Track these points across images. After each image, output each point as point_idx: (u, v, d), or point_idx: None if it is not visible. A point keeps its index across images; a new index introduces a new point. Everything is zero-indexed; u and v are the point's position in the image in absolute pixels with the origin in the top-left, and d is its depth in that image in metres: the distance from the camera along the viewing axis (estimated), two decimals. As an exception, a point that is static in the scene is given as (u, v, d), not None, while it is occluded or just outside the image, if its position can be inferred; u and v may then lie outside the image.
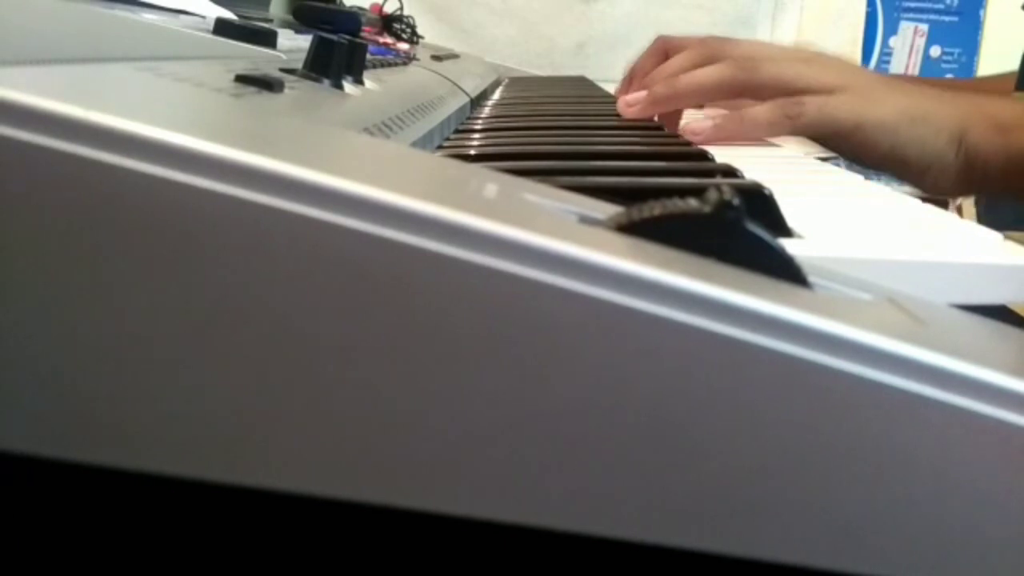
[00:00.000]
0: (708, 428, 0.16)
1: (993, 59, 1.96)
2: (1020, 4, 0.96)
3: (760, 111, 0.61)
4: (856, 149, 0.61)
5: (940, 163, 0.59)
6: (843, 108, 0.60)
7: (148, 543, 0.17)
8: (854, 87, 0.61)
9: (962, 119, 0.61)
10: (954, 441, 0.16)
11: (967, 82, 1.12)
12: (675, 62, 0.67)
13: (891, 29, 2.08)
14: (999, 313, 0.26)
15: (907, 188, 0.68)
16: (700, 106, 0.77)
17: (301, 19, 0.81)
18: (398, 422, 0.16)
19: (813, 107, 0.60)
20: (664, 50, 0.71)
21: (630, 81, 0.74)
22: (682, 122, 0.69)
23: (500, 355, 0.15)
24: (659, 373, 0.16)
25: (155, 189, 0.15)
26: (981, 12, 2.05)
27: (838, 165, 0.63)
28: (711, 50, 0.66)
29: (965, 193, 0.63)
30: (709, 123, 0.62)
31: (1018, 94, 0.81)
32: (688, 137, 0.61)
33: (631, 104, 0.67)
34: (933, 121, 0.60)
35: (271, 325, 0.15)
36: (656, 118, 0.68)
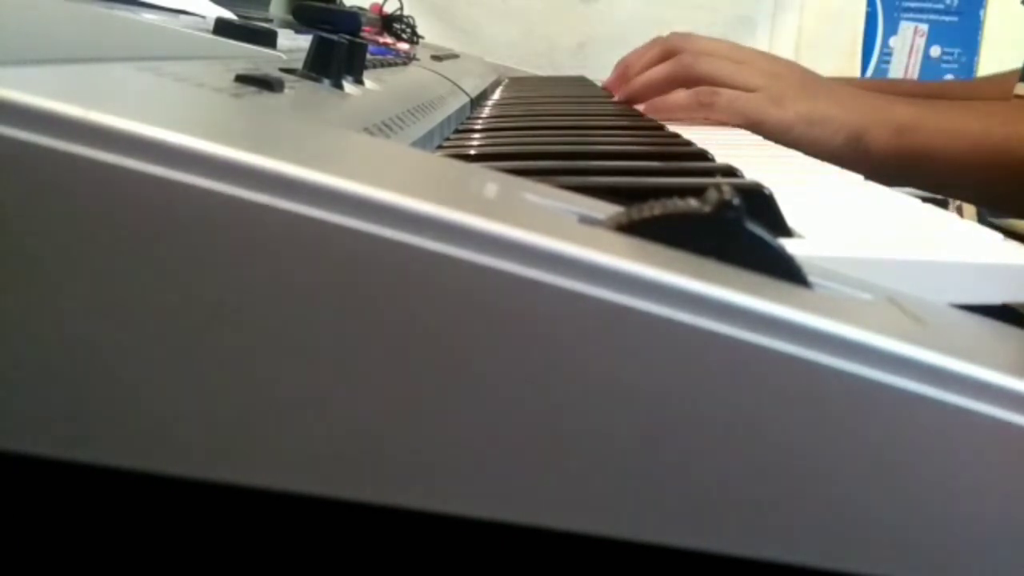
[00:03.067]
0: (708, 428, 0.16)
1: (993, 59, 1.95)
2: (1020, 1, 0.96)
3: (680, 96, 0.74)
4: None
5: (834, 161, 0.64)
6: (749, 106, 0.71)
7: (148, 543, 0.17)
8: (769, 89, 0.72)
9: (861, 122, 0.70)
10: (954, 441, 0.16)
11: (946, 85, 1.18)
12: (637, 61, 0.81)
13: (891, 29, 2.08)
14: (1000, 312, 0.26)
15: (908, 188, 0.70)
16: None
17: (301, 19, 0.81)
18: (398, 422, 0.16)
19: (724, 100, 0.71)
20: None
21: (617, 75, 0.85)
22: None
23: (500, 355, 0.15)
24: (659, 373, 0.16)
25: (155, 189, 0.15)
26: (981, 12, 2.05)
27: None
28: (669, 46, 0.79)
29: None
30: (642, 105, 0.77)
31: (1021, 85, 0.81)
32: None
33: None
34: (831, 124, 0.70)
35: (271, 325, 0.15)
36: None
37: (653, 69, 0.78)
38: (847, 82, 0.86)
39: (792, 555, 0.16)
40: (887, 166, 0.70)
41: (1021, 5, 0.96)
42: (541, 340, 0.15)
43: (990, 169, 0.71)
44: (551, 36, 1.99)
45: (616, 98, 0.83)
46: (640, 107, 0.79)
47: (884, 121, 0.70)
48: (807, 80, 0.75)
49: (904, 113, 0.71)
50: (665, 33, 0.82)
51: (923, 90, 1.05)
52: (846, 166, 0.62)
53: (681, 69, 0.76)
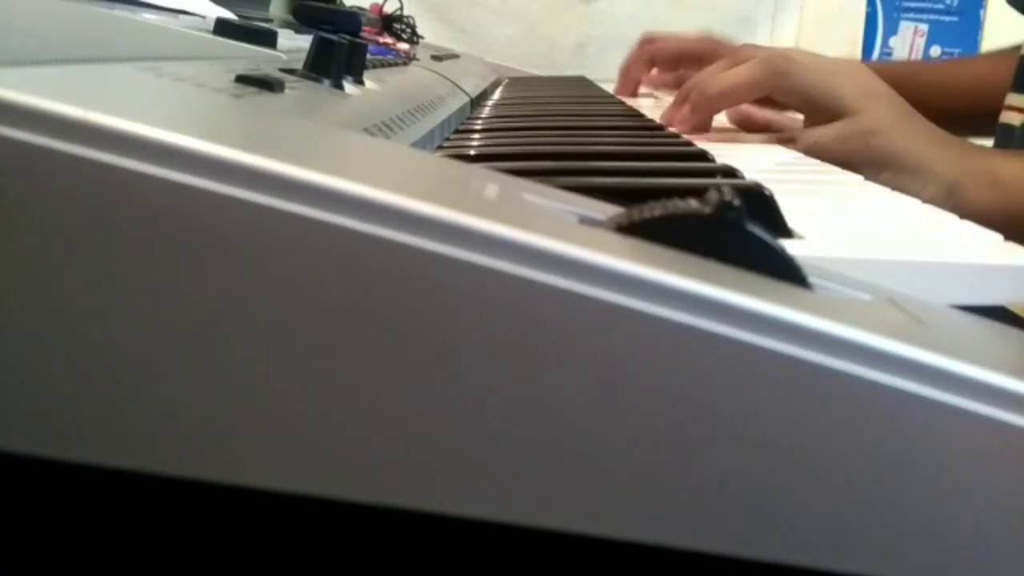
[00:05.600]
0: (708, 428, 0.16)
1: (993, 59, 1.95)
2: (1006, 1, 0.95)
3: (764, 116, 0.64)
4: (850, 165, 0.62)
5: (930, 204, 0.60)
6: (834, 145, 0.61)
7: (148, 543, 0.17)
8: (865, 115, 0.62)
9: (957, 174, 0.62)
10: (954, 441, 0.16)
11: (967, 63, 1.12)
12: (710, 69, 0.69)
13: (891, 29, 2.08)
14: (997, 314, 0.26)
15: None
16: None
17: (301, 19, 0.81)
18: (398, 422, 0.16)
19: (812, 136, 0.62)
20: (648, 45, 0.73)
21: (623, 81, 0.76)
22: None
23: (500, 355, 0.15)
24: (659, 374, 0.16)
25: (155, 189, 0.15)
26: (981, 12, 2.05)
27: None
28: (745, 56, 0.67)
29: None
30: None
31: (1012, 96, 0.80)
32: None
33: (681, 123, 0.67)
34: (923, 173, 0.61)
35: (271, 325, 0.15)
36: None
37: (734, 71, 0.65)
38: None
39: (792, 555, 0.16)
40: (982, 220, 0.62)
41: (1008, 6, 0.95)
42: (541, 341, 0.15)
43: None
44: (551, 36, 1.99)
45: (684, 127, 0.67)
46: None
47: (980, 173, 0.62)
48: (902, 110, 0.65)
49: (1001, 166, 0.63)
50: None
51: (920, 68, 1.03)
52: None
53: (771, 77, 0.64)
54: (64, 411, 0.15)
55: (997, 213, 0.61)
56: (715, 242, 0.19)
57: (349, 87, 0.41)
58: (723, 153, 0.50)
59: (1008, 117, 0.75)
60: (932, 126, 0.66)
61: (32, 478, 0.16)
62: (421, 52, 0.92)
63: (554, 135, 0.58)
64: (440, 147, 0.50)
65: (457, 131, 0.60)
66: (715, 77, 0.66)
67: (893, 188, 0.58)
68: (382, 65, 0.62)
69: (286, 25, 0.73)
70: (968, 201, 0.61)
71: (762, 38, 1.95)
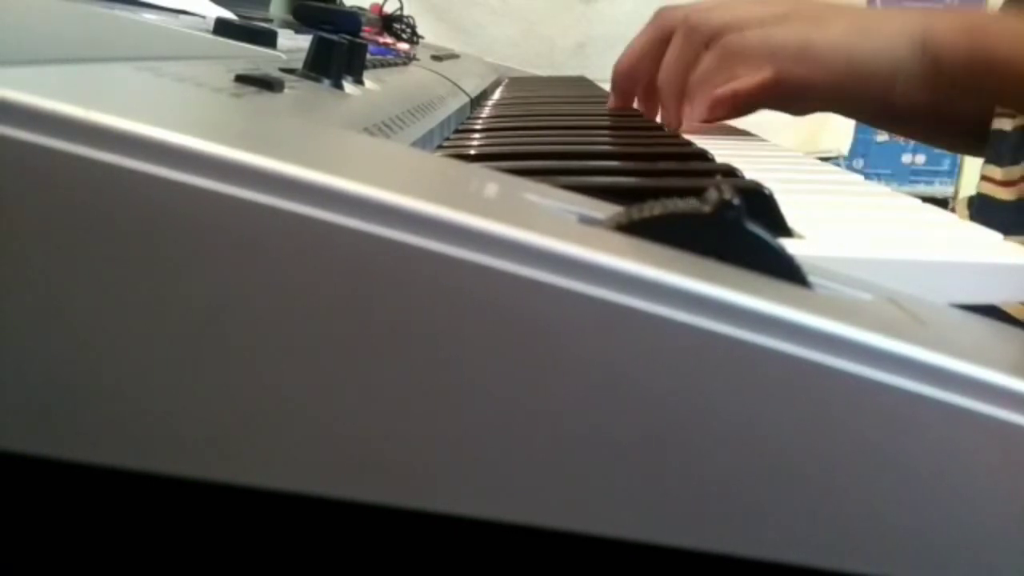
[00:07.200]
0: (708, 428, 0.16)
1: (993, 59, 1.95)
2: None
3: (704, 64, 0.61)
4: (815, 79, 0.59)
5: (905, 70, 0.56)
6: (789, 33, 0.59)
7: (148, 543, 0.17)
8: (799, 14, 0.60)
9: (923, 23, 0.58)
10: (954, 441, 0.16)
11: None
12: (672, 60, 0.67)
13: (891, 29, 2.08)
14: (991, 314, 0.26)
15: (907, 188, 0.68)
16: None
17: (301, 19, 0.81)
18: (397, 422, 0.16)
19: (756, 39, 0.60)
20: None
21: (627, 78, 0.74)
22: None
23: (500, 355, 0.15)
24: (659, 373, 0.16)
25: (155, 189, 0.15)
26: (981, 12, 2.04)
27: (837, 165, 0.63)
28: (662, 29, 0.67)
29: (937, 104, 0.58)
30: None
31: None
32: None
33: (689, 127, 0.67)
34: (888, 30, 0.58)
35: (271, 325, 0.15)
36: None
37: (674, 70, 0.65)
38: None
39: (792, 555, 0.16)
40: (960, 76, 0.58)
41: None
42: (541, 340, 0.15)
43: None
44: (551, 36, 1.99)
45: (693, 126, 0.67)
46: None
47: (946, 19, 0.58)
48: (832, 4, 0.62)
49: (965, 12, 0.61)
50: None
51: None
52: (916, 79, 0.53)
53: (692, 45, 0.64)
54: (64, 411, 0.15)
55: (969, 54, 0.57)
56: (715, 241, 0.19)
57: (349, 87, 0.42)
58: (723, 152, 0.50)
59: (1000, 123, 0.74)
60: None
61: (32, 478, 0.16)
62: (421, 52, 0.92)
63: (554, 135, 0.58)
64: (440, 147, 0.50)
65: (457, 131, 0.60)
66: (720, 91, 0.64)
67: (865, 53, 0.56)
68: (382, 65, 0.62)
69: (286, 25, 0.73)
70: (941, 45, 0.57)
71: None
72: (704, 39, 0.64)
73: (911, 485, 0.16)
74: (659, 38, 0.68)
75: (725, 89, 0.63)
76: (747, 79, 0.61)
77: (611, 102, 0.74)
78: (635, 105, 0.75)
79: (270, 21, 0.73)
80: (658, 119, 0.70)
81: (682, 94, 0.66)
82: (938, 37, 0.58)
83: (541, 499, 0.16)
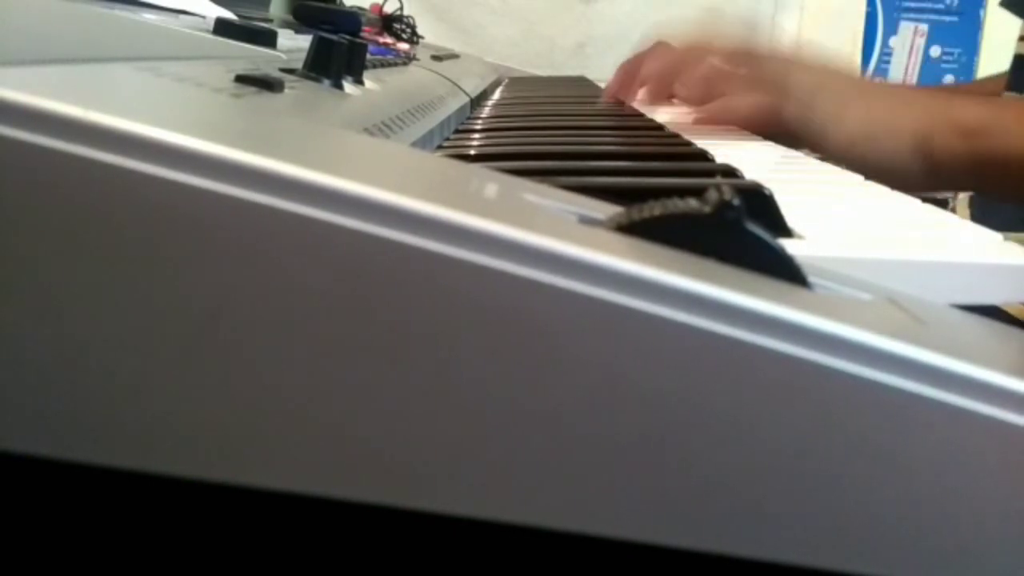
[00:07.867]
0: (708, 428, 0.16)
1: (993, 59, 1.95)
2: (999, 3, 0.95)
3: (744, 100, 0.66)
4: (822, 152, 0.64)
5: (904, 171, 0.60)
6: (814, 117, 0.63)
7: (148, 543, 0.17)
8: (828, 88, 0.64)
9: (925, 126, 0.62)
10: (954, 441, 0.16)
11: (957, 88, 1.14)
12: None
13: (891, 29, 2.08)
14: (992, 314, 0.26)
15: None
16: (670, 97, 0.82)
17: (301, 19, 0.81)
18: (398, 422, 0.16)
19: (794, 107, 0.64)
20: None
21: (626, 77, 0.76)
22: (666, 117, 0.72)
23: (499, 355, 0.15)
24: (659, 373, 0.16)
25: (155, 189, 0.15)
26: (981, 12, 2.05)
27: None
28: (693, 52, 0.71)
29: (936, 191, 0.64)
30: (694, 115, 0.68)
31: (1009, 95, 0.80)
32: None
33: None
34: (899, 127, 0.63)
35: (271, 325, 0.15)
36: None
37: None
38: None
39: (792, 555, 0.16)
40: (960, 173, 0.64)
41: (1000, 7, 0.95)
42: (541, 340, 0.15)
43: None
44: (551, 36, 1.99)
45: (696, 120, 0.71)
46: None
47: (946, 123, 0.63)
48: (858, 83, 0.67)
49: (967, 114, 0.64)
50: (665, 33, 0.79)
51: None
52: (914, 179, 0.58)
53: (735, 58, 0.68)
54: (64, 411, 0.15)
55: (971, 162, 0.62)
56: (715, 241, 0.19)
57: (349, 87, 0.41)
58: (723, 152, 0.50)
59: (1021, 48, 0.74)
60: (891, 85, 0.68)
61: (32, 478, 0.16)
62: (421, 52, 0.92)
63: (554, 135, 0.58)
64: (440, 147, 0.50)
65: (457, 131, 0.60)
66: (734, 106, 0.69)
67: (868, 154, 0.61)
68: (382, 65, 0.62)
69: (286, 25, 0.73)
70: (941, 152, 0.62)
71: (762, 38, 1.95)
72: (748, 61, 0.68)
73: (911, 485, 0.16)
74: (705, 44, 0.71)
75: (737, 103, 0.67)
76: (757, 105, 0.66)
77: (611, 88, 0.78)
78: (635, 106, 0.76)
79: (270, 21, 0.73)
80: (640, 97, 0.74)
81: (675, 78, 0.71)
82: (938, 145, 0.62)
83: (541, 499, 0.16)
